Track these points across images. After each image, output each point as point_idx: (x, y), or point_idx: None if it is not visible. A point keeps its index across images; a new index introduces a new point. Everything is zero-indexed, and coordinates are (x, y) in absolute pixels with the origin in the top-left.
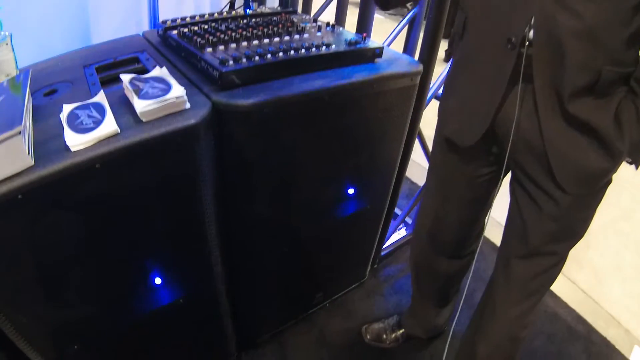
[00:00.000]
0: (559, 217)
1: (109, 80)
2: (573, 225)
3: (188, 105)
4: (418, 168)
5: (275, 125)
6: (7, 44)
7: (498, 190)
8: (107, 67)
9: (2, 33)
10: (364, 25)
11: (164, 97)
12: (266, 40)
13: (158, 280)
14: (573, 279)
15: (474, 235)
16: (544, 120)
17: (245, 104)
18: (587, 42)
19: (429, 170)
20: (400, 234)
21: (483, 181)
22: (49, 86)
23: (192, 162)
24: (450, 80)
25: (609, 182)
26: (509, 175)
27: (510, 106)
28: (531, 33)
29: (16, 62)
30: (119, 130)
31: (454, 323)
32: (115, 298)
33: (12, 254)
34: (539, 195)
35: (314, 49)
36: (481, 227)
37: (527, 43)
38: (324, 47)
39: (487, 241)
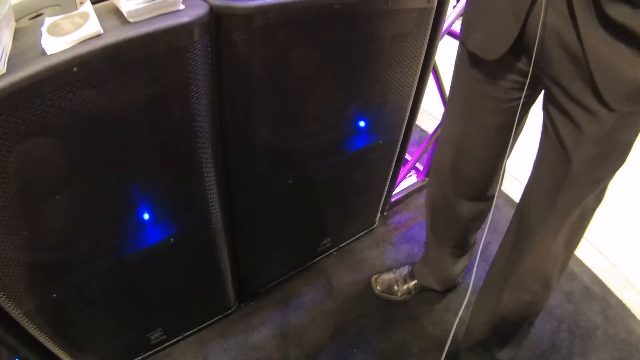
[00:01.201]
0: (602, 137)
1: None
2: (616, 148)
3: (182, 6)
4: (428, 117)
5: (280, 34)
6: None
7: (527, 117)
8: None
9: None
10: None
11: None
12: None
13: (146, 216)
14: (588, 237)
15: (498, 172)
16: (582, 24)
17: (248, 6)
18: None
19: (450, 95)
20: (410, 180)
21: (512, 105)
22: (35, 12)
23: (185, 70)
24: None
25: None
26: (539, 103)
27: (538, 13)
28: None
29: None
30: (101, 31)
31: (473, 277)
32: (97, 237)
33: None
34: (579, 114)
35: None
36: (504, 166)
37: None
38: None
39: (502, 194)
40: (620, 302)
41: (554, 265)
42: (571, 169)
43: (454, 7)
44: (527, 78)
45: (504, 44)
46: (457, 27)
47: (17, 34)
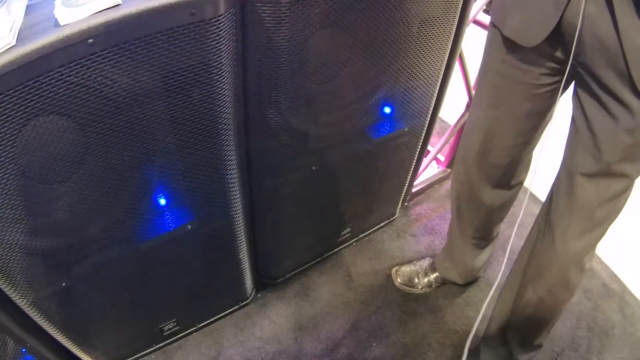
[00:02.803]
0: (635, 129)
1: None
2: None
3: None
4: (449, 107)
5: (308, 11)
6: None
7: (557, 104)
8: None
9: None
10: None
11: None
12: None
13: (162, 201)
14: (607, 234)
15: (526, 161)
16: (619, 13)
17: None
18: None
19: (479, 80)
20: (432, 171)
21: (544, 92)
22: None
23: (209, 45)
24: None
25: None
26: (569, 91)
27: (577, 1)
28: None
29: None
30: (120, 2)
31: (500, 274)
32: (110, 222)
33: None
34: (611, 103)
35: None
36: (531, 154)
37: None
38: None
39: (523, 188)
40: (637, 301)
41: (574, 264)
42: (602, 158)
43: None
44: (560, 65)
45: (543, 31)
46: (481, 17)
47: (30, 9)
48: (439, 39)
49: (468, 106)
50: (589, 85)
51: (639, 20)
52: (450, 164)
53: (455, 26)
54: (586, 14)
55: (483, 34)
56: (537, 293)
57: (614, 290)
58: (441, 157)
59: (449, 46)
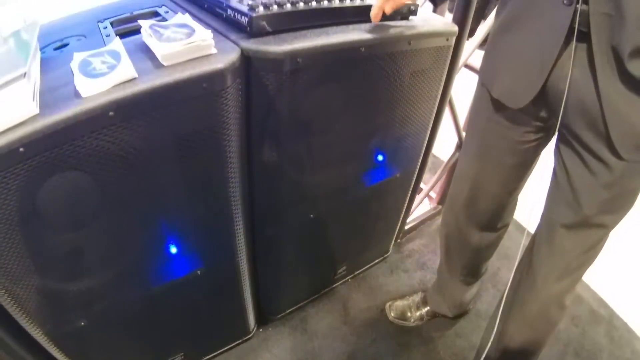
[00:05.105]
0: (612, 184)
1: (125, 33)
2: (624, 194)
3: (214, 50)
4: (440, 144)
5: (308, 77)
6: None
7: (538, 157)
8: (123, 20)
9: None
10: None
11: (189, 40)
12: None
13: (174, 249)
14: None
15: (511, 206)
16: (602, 79)
17: (278, 51)
18: None
19: (467, 132)
20: (424, 208)
21: (528, 147)
22: (60, 40)
23: (218, 113)
24: (495, 40)
25: None
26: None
27: (562, 66)
28: None
29: None
30: (136, 75)
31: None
32: (126, 269)
33: (11, 216)
34: (591, 161)
35: (348, 0)
36: (516, 199)
37: None
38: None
39: (513, 221)
40: (625, 325)
41: (555, 303)
42: (581, 211)
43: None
44: (543, 123)
45: (530, 93)
46: (471, 60)
47: (44, 65)
48: (429, 88)
49: (458, 146)
50: (570, 142)
51: (620, 85)
52: (441, 200)
53: (444, 75)
54: (571, 78)
55: (472, 76)
56: (520, 328)
57: (602, 316)
58: (433, 194)
59: (439, 94)
